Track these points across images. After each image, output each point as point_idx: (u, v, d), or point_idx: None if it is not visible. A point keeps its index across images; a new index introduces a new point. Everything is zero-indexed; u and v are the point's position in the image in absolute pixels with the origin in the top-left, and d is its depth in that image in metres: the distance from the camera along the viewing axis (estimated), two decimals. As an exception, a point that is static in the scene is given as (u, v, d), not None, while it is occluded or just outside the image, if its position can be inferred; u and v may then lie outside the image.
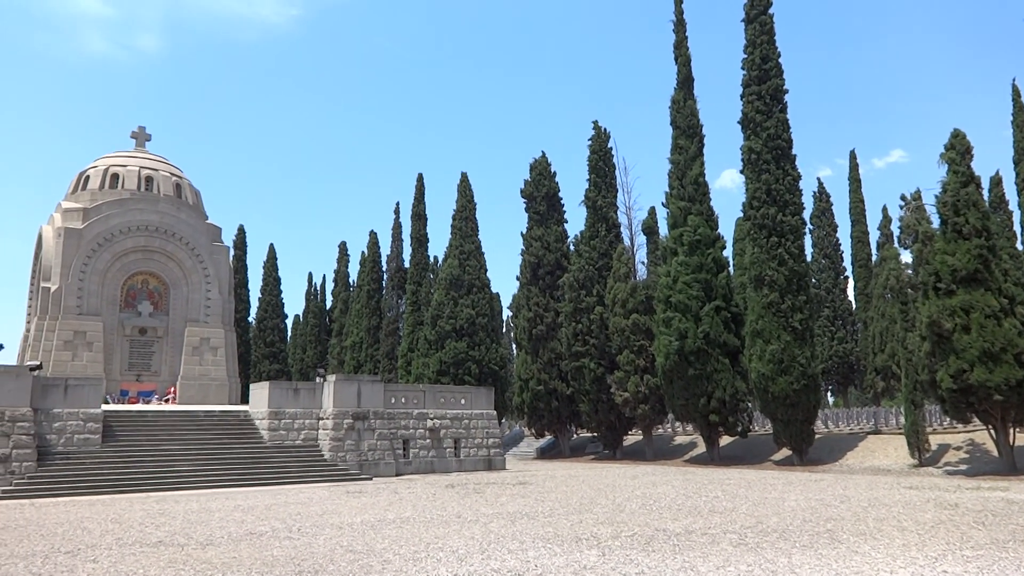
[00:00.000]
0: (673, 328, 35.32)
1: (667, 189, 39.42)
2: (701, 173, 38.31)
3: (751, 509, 17.41)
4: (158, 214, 44.14)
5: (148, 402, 40.06)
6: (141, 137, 49.26)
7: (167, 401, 41.08)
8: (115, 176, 45.52)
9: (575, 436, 50.59)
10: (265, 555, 12.14)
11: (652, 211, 54.79)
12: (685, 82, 40.18)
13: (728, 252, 41.05)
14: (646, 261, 49.01)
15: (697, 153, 38.85)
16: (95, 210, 42.79)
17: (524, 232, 48.48)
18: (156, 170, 46.73)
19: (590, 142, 46.20)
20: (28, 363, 35.65)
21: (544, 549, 12.27)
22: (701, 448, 39.72)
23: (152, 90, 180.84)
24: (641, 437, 43.61)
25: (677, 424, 47.14)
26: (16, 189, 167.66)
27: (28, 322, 44.53)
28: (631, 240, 46.28)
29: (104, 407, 29.10)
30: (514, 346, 60.40)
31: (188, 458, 27.69)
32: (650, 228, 52.49)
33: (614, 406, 40.63)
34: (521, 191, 48.96)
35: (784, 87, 35.47)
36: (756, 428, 40.59)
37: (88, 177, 45.69)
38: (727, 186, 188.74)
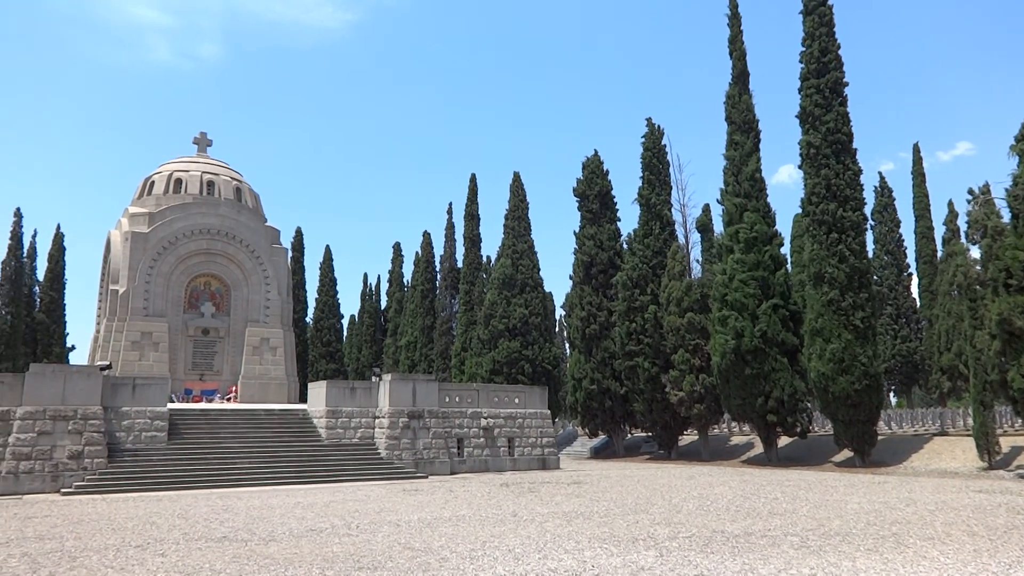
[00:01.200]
0: (729, 327, 34.77)
1: (722, 186, 38.82)
2: (757, 169, 37.63)
3: (812, 511, 17.03)
4: (219, 217, 45.35)
5: (211, 401, 41.20)
6: (203, 143, 50.68)
7: (229, 400, 42.19)
8: (178, 181, 46.94)
9: (629, 436, 50.22)
10: (325, 551, 12.38)
11: (707, 208, 53.99)
12: (740, 77, 39.52)
13: (786, 249, 40.20)
14: (701, 259, 48.31)
15: (753, 149, 38.17)
16: (160, 215, 44.19)
17: (577, 231, 48.34)
18: (217, 175, 48.03)
19: (643, 139, 45.79)
20: (98, 363, 37.05)
21: (600, 549, 12.22)
22: (758, 449, 39.02)
23: (213, 96, 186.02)
24: (696, 437, 43.05)
25: (734, 424, 46.40)
26: (86, 195, 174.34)
27: (98, 323, 46.25)
28: (685, 238, 45.75)
29: (169, 406, 30.04)
30: (567, 345, 60.25)
31: (249, 455, 28.39)
32: (705, 225, 51.75)
33: (669, 406, 40.20)
34: (573, 190, 48.84)
35: (844, 80, 34.58)
36: (816, 429, 39.69)
37: (153, 183, 47.22)
38: (784, 182, 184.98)
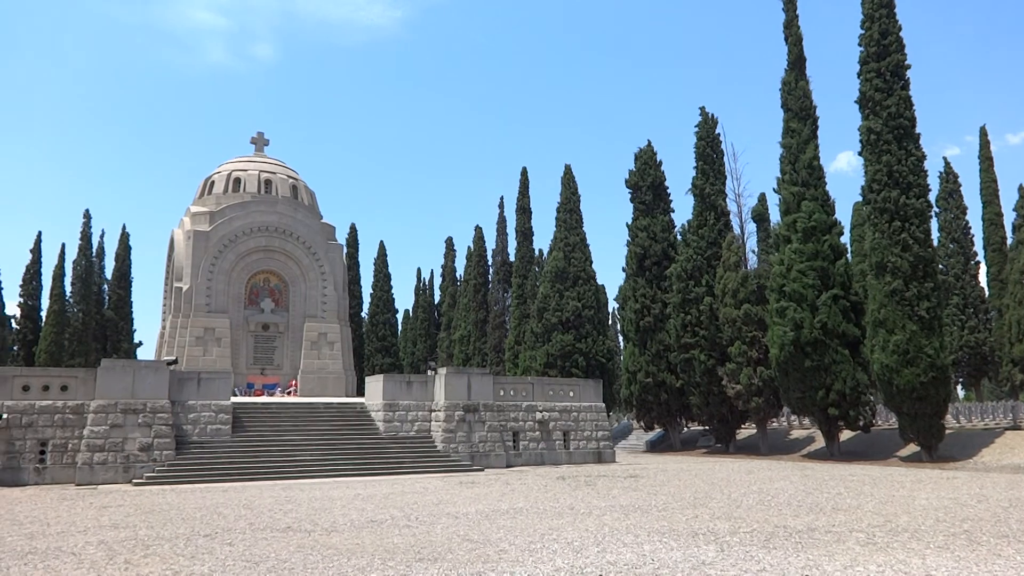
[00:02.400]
0: (788, 318, 34.08)
1: (779, 174, 38.01)
2: (815, 156, 36.74)
3: (878, 507, 16.61)
4: (277, 215, 46.34)
5: (272, 394, 42.19)
6: (260, 142, 51.81)
7: (289, 393, 43.14)
8: (237, 180, 48.10)
9: (685, 429, 49.72)
10: (386, 542, 12.58)
11: (763, 198, 53.08)
12: (796, 62, 38.60)
13: (846, 238, 39.17)
14: (757, 249, 47.48)
15: (810, 136, 37.26)
16: (220, 213, 45.37)
17: (629, 223, 47.95)
18: (274, 173, 49.07)
19: (697, 129, 45.14)
20: (165, 358, 38.28)
21: (660, 543, 12.14)
22: (820, 443, 38.19)
23: (269, 96, 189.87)
24: (755, 431, 42.37)
25: (793, 418, 45.51)
26: (150, 196, 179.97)
27: (163, 320, 47.77)
28: (741, 228, 44.98)
29: (232, 399, 30.86)
30: (621, 338, 59.88)
31: (310, 448, 29.01)
32: (761, 215, 50.85)
33: (726, 399, 39.64)
34: (626, 181, 48.45)
35: (906, 62, 33.49)
36: (879, 422, 38.67)
37: (213, 182, 48.50)
38: (843, 169, 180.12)
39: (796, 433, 43.57)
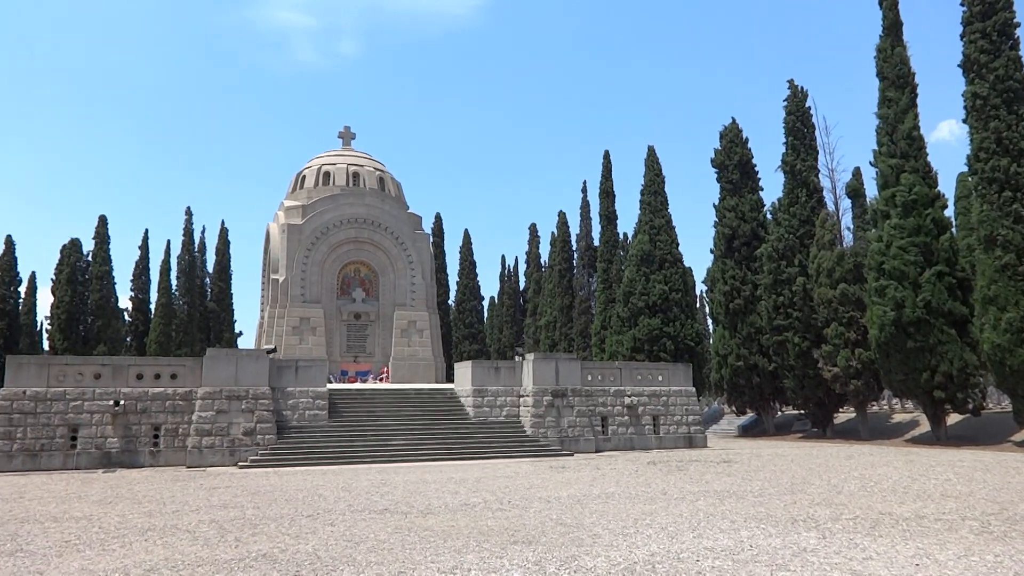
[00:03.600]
0: (888, 297, 32.61)
1: (875, 147, 36.26)
2: (915, 126, 34.88)
3: (992, 494, 15.75)
4: (365, 207, 47.49)
5: (365, 381, 43.42)
6: (347, 136, 53.14)
7: (381, 380, 44.31)
8: (327, 174, 49.53)
9: (779, 413, 48.40)
10: (480, 525, 12.78)
11: (857, 172, 50.84)
12: (892, 27, 36.66)
13: (950, 211, 37.10)
14: (852, 226, 45.56)
15: (909, 105, 35.38)
16: (311, 207, 46.85)
17: (716, 203, 46.87)
18: (361, 166, 50.27)
19: (785, 103, 43.60)
20: (264, 347, 39.92)
21: (757, 529, 11.88)
22: (924, 427, 36.49)
23: (355, 91, 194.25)
24: (853, 414, 40.87)
25: (895, 401, 43.64)
26: (245, 191, 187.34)
27: (262, 310, 49.82)
28: (835, 204, 43.31)
29: (328, 386, 31.92)
30: (710, 321, 58.65)
31: (403, 433, 29.73)
32: (856, 190, 48.69)
33: (822, 382, 38.34)
34: (712, 160, 47.33)
35: (1014, 20, 31.35)
36: (991, 405, 36.64)
37: (304, 177, 50.10)
38: (945, 139, 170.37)
39: (899, 417, 41.76)
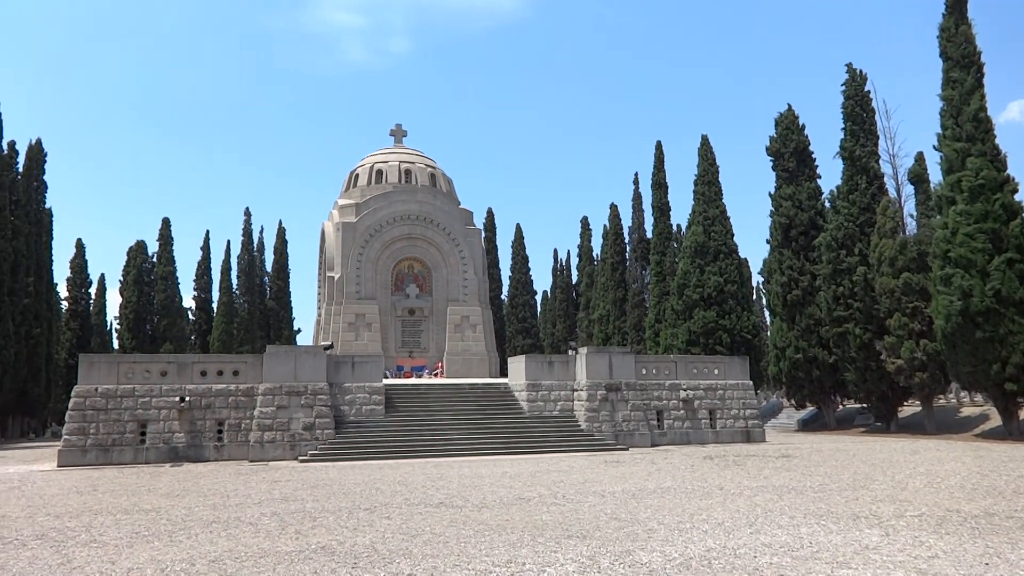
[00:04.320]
0: (954, 286, 31.47)
1: (939, 130, 34.97)
2: (982, 108, 33.52)
3: (1067, 490, 15.11)
4: (417, 204, 47.96)
5: (420, 376, 43.90)
6: (398, 134, 53.71)
7: (436, 375, 44.73)
8: (379, 172, 50.16)
9: (840, 407, 47.23)
10: (535, 519, 12.82)
11: (920, 157, 49.06)
12: (956, 5, 35.27)
13: (1021, 196, 35.59)
14: (915, 213, 44.09)
15: (975, 85, 34.01)
16: (364, 205, 47.52)
17: (772, 192, 45.88)
18: (413, 163, 50.77)
19: (843, 87, 42.39)
20: (322, 343, 40.68)
21: (817, 525, 11.64)
22: (995, 421, 35.16)
23: (406, 88, 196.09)
24: (919, 408, 39.60)
25: (963, 394, 42.14)
26: (300, 191, 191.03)
27: (319, 307, 50.79)
28: (897, 191, 41.93)
29: (384, 381, 32.39)
30: (767, 313, 57.58)
31: (458, 427, 29.99)
32: (919, 176, 47.06)
33: (885, 374, 37.24)
34: (767, 148, 46.36)
35: (1090, -6, 29.84)
36: (1067, 397, 34.98)
37: (357, 175, 50.84)
38: (1015, 119, 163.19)
39: (967, 411, 40.32)
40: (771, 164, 46.20)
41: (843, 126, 41.76)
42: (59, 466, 25.71)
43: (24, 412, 51.06)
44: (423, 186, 49.45)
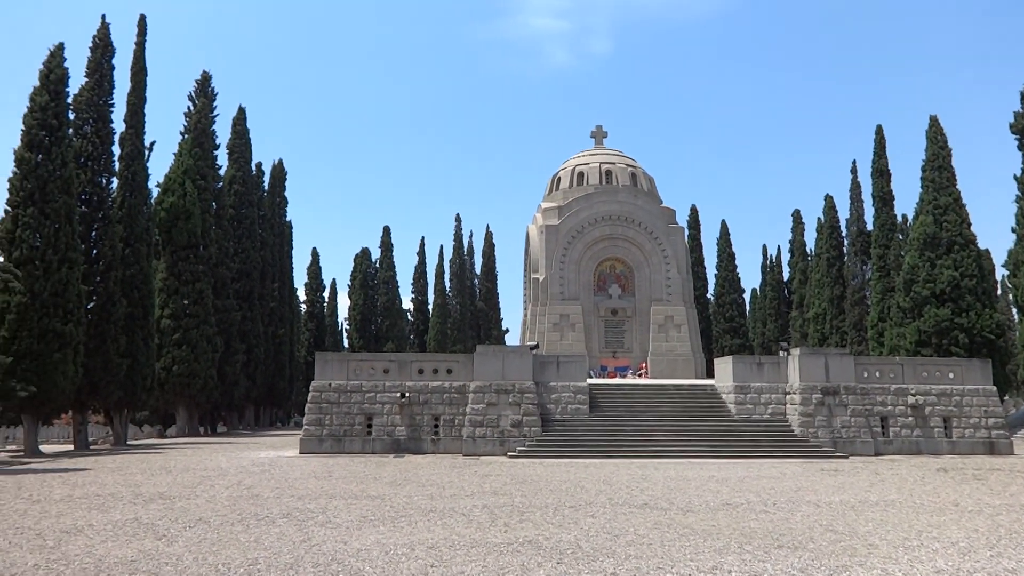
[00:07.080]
0: None
1: None
2: None
3: None
4: (618, 204, 48.06)
5: (624, 376, 43.91)
6: (599, 135, 54.12)
7: (639, 375, 44.52)
8: (580, 174, 50.87)
9: (1112, 418, 40.82)
10: (742, 526, 12.46)
11: None
12: None
13: None
14: None
15: None
16: (567, 207, 48.42)
17: (1018, 175, 40.63)
18: (613, 164, 50.92)
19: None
20: (528, 343, 42.02)
21: (1075, 553, 10.26)
22: None
23: (606, 89, 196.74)
24: None
25: None
26: (506, 195, 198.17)
27: (524, 308, 52.50)
28: None
29: (588, 381, 32.81)
30: (1014, 310, 51.07)
31: (662, 428, 29.66)
32: None
33: None
34: (1011, 126, 41.09)
35: None
36: None
37: (559, 178, 51.92)
38: None
39: None
40: (1016, 143, 40.96)
41: (1110, 93, 36.07)
42: (300, 453, 28.78)
43: (272, 403, 57.84)
44: (624, 186, 49.45)
